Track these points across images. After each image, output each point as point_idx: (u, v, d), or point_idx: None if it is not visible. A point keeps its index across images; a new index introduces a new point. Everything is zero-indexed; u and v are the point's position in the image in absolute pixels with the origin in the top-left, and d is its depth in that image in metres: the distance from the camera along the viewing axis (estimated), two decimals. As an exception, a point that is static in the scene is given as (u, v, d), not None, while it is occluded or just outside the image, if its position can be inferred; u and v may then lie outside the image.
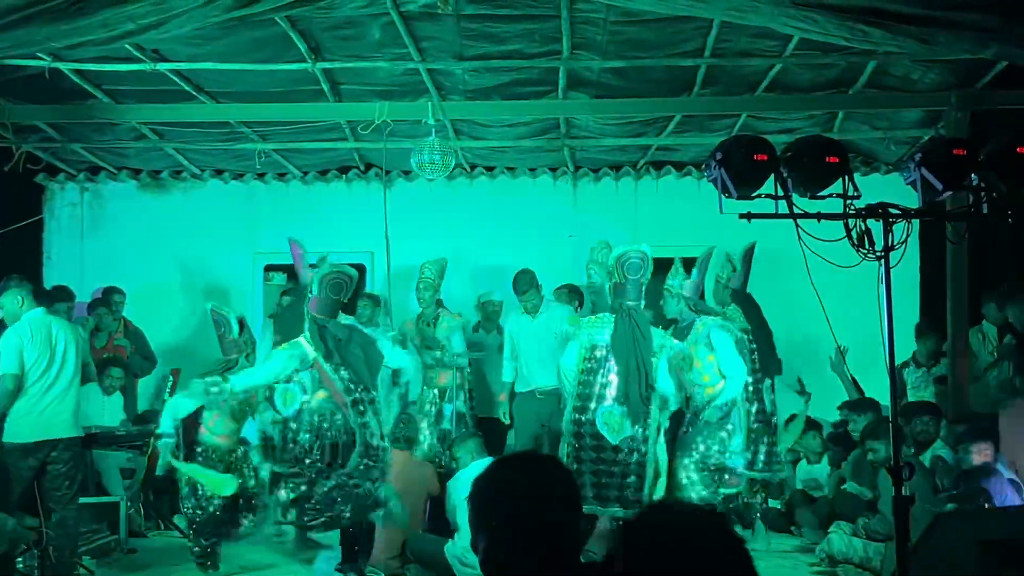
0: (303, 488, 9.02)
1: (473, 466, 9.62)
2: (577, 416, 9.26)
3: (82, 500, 10.52)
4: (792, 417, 11.36)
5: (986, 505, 8.45)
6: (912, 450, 9.63)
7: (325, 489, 8.95)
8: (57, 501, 8.93)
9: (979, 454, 9.31)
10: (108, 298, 12.70)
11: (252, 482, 9.55)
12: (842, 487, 10.36)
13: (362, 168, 13.83)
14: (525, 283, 11.78)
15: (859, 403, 11.14)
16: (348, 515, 8.97)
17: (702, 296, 10.21)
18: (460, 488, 9.39)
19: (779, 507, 11.22)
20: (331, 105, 11.41)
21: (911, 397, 11.48)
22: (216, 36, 9.70)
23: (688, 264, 9.84)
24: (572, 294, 12.30)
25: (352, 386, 9.11)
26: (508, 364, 11.77)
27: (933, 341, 11.74)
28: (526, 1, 9.16)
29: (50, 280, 13.22)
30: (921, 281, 12.81)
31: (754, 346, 9.94)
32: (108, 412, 11.77)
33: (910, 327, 11.80)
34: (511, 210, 13.70)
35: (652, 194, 13.81)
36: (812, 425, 11.61)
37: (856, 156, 12.74)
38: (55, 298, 11.48)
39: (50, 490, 8.93)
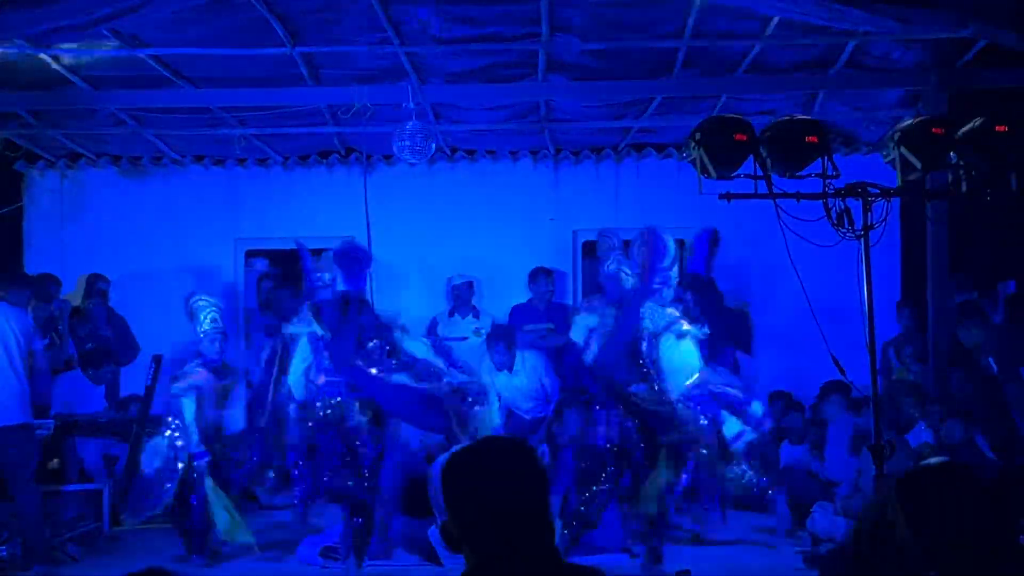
0: None
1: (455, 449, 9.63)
2: None
3: (65, 488, 10.56)
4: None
5: None
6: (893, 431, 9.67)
7: None
8: (15, 488, 8.96)
9: (960, 431, 9.34)
10: (96, 286, 12.68)
11: None
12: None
13: (343, 152, 13.79)
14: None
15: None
16: None
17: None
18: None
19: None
20: (311, 89, 11.37)
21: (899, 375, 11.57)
22: (195, 21, 9.66)
23: None
24: (548, 277, 12.45)
25: None
26: None
27: (907, 315, 11.84)
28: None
29: (32, 267, 13.17)
30: (903, 260, 12.83)
31: None
32: (90, 399, 11.74)
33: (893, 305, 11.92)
34: (492, 193, 13.67)
35: (633, 176, 13.79)
36: (794, 405, 11.62)
37: (837, 136, 12.74)
38: (40, 285, 11.46)
39: (7, 477, 8.99)
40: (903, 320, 12.10)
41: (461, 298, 12.77)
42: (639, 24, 10.11)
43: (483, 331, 12.60)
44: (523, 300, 12.78)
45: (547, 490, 2.97)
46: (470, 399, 9.38)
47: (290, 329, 9.52)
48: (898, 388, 10.44)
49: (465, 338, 12.61)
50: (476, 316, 12.77)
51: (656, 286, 9.12)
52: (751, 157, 6.90)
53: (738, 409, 9.10)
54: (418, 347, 9.50)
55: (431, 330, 12.81)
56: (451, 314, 12.79)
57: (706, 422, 9.06)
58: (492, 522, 2.85)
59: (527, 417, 11.56)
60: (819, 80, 11.38)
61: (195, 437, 9.43)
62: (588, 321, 9.36)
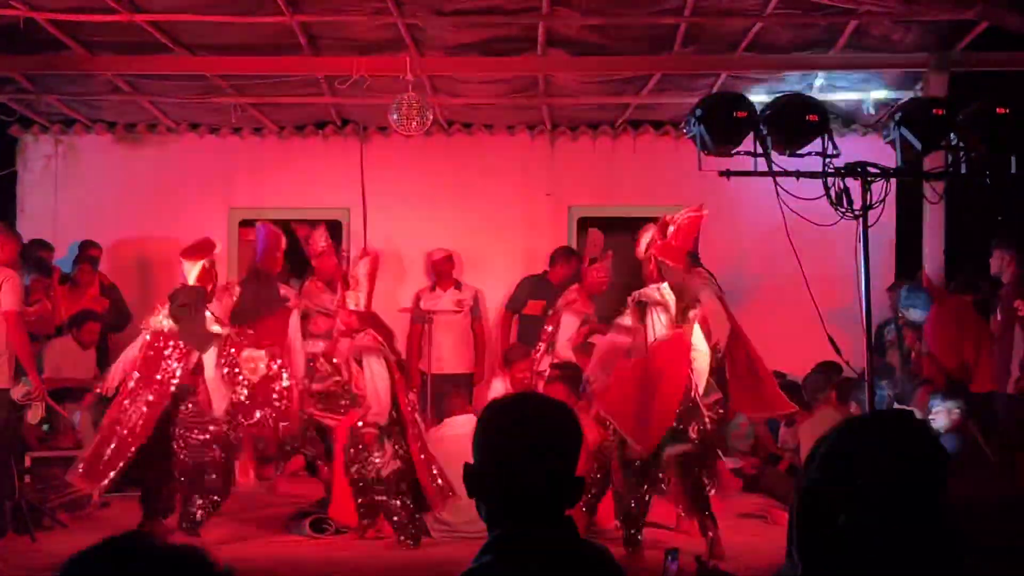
0: None
1: (447, 423, 9.63)
2: None
3: (56, 453, 10.54)
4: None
5: None
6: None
7: None
8: None
9: (948, 414, 9.33)
10: (87, 253, 12.64)
11: None
12: None
13: (339, 123, 13.73)
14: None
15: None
16: None
17: None
18: (432, 445, 9.40)
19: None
20: (309, 59, 11.33)
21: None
22: (193, -13, 9.64)
23: None
24: (571, 257, 12.37)
25: None
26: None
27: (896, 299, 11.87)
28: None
29: (24, 233, 13.09)
30: (898, 240, 12.83)
31: None
32: (83, 366, 11.72)
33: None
34: (488, 167, 13.63)
35: (630, 152, 13.75)
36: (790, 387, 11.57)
37: (835, 117, 12.70)
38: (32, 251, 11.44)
39: None
40: (893, 302, 12.12)
41: (441, 271, 12.73)
42: (639, 0, 10.08)
43: (466, 303, 12.61)
44: (518, 275, 12.79)
45: (574, 456, 2.96)
46: None
47: None
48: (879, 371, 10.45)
49: (457, 311, 12.60)
50: (458, 289, 12.75)
51: None
52: (751, 135, 6.90)
53: None
54: None
55: (415, 304, 12.77)
56: (432, 288, 12.77)
57: None
58: (510, 472, 2.85)
59: None
60: (819, 60, 11.37)
61: None
62: None
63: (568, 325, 10.97)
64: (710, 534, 8.40)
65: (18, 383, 9.38)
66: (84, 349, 11.79)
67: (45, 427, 10.92)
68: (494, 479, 2.87)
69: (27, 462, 10.00)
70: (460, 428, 9.28)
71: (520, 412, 2.98)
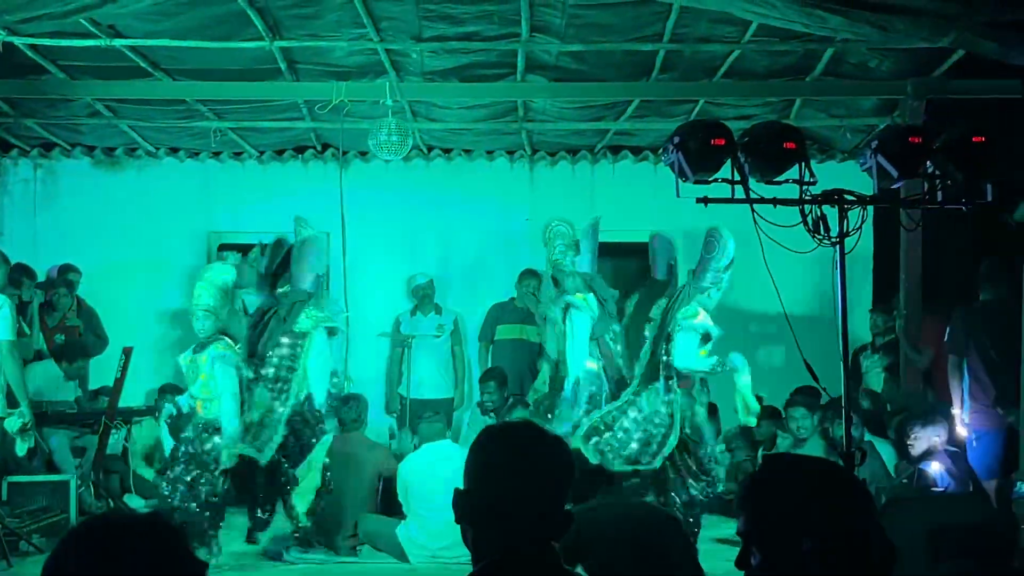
0: None
1: (425, 448, 9.62)
2: None
3: (33, 478, 10.49)
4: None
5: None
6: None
7: None
8: None
9: (926, 440, 9.35)
10: (65, 276, 12.61)
11: None
12: None
13: (319, 148, 13.75)
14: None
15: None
16: None
17: None
18: (411, 470, 9.41)
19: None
20: (288, 84, 11.35)
21: (865, 383, 11.61)
22: (173, 12, 9.63)
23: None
24: (534, 279, 12.37)
25: None
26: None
27: (881, 320, 11.89)
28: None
29: (3, 257, 13.09)
30: (875, 267, 12.88)
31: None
32: (61, 390, 11.69)
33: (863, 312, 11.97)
34: (468, 192, 13.66)
35: (609, 178, 13.80)
36: (772, 414, 11.55)
37: (812, 143, 12.77)
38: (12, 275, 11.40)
39: None
40: (873, 329, 12.16)
41: (423, 296, 12.77)
42: (618, 27, 10.13)
43: (446, 328, 12.64)
44: (499, 299, 12.80)
45: (564, 488, 2.97)
46: None
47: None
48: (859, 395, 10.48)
49: (437, 336, 12.63)
50: (439, 314, 12.78)
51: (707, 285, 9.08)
52: (728, 162, 6.92)
53: None
54: None
55: (395, 329, 12.81)
56: (413, 313, 12.79)
57: None
58: (500, 501, 2.86)
59: None
60: (796, 87, 11.44)
61: None
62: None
63: None
64: None
65: (11, 413, 9.33)
66: (68, 379, 11.79)
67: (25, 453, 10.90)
68: (484, 506, 2.87)
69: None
70: (439, 454, 9.30)
71: (514, 441, 2.99)
